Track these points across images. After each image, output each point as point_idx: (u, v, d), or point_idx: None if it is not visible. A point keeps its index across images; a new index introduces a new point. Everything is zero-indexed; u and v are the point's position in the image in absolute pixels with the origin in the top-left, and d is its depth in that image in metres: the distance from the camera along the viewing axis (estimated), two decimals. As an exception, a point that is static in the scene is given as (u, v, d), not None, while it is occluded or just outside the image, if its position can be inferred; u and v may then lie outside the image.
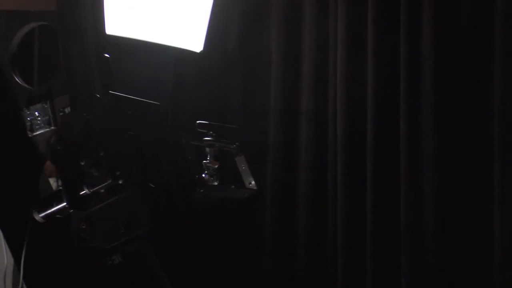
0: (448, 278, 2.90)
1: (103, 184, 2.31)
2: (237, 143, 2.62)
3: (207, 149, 2.56)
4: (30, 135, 2.61)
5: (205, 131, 2.57)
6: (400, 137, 2.95)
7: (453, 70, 2.90)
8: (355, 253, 3.07)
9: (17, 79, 2.61)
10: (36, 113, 2.57)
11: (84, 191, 2.32)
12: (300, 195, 3.20)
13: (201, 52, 2.86)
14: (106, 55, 2.62)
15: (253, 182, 2.67)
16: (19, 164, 2.58)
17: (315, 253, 3.18)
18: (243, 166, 2.65)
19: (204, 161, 2.55)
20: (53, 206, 2.41)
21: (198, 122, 2.58)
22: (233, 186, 2.64)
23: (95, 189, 2.31)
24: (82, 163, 2.31)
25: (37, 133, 2.59)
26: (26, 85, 2.62)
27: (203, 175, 2.53)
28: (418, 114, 2.93)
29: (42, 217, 2.41)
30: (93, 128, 2.36)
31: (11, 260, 2.72)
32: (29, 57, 2.68)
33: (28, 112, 2.56)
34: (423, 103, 2.92)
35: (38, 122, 2.58)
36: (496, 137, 2.81)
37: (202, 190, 2.52)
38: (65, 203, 2.37)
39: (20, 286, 2.60)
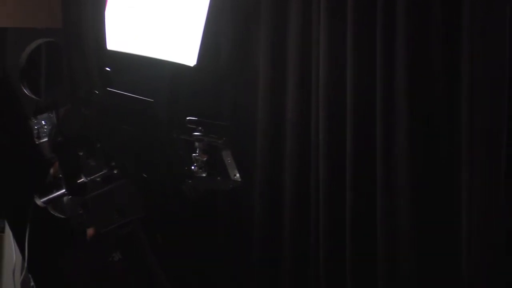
0: (419, 269, 2.94)
1: (99, 173, 2.35)
2: (224, 138, 2.65)
3: (196, 144, 2.59)
4: (37, 142, 2.62)
5: (194, 126, 2.60)
6: (377, 143, 3.00)
7: (424, 81, 2.95)
8: (335, 247, 3.10)
9: (25, 91, 2.67)
10: (43, 122, 2.58)
11: (82, 179, 2.37)
12: (286, 195, 3.23)
13: (194, 66, 2.90)
14: (107, 68, 2.65)
15: (237, 175, 2.68)
16: (27, 167, 2.62)
17: (299, 247, 3.21)
18: (229, 160, 2.66)
19: (194, 154, 2.58)
20: (53, 192, 2.44)
21: (188, 118, 2.62)
22: (219, 178, 2.65)
23: (91, 177, 2.35)
24: (81, 154, 2.35)
25: (44, 140, 2.60)
26: (33, 96, 2.68)
27: (192, 167, 2.56)
28: (393, 124, 2.97)
29: (43, 202, 2.46)
30: (91, 122, 2.40)
31: (20, 258, 2.73)
32: (36, 70, 2.72)
33: (35, 121, 2.57)
34: (397, 112, 2.96)
35: (45, 130, 2.59)
36: (464, 143, 2.84)
37: (190, 181, 2.56)
38: (64, 190, 2.40)
39: (24, 269, 2.62)
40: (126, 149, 2.46)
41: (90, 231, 2.64)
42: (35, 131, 2.57)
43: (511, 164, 2.84)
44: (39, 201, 2.47)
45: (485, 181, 2.82)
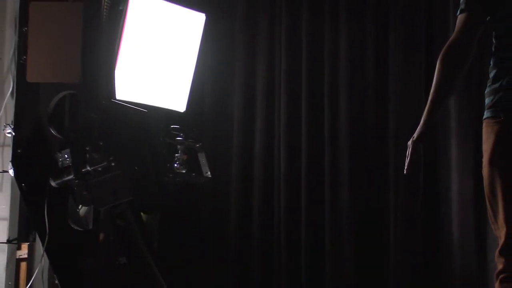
0: (358, 269, 3.15)
1: (101, 165, 2.40)
2: (200, 143, 2.75)
3: (178, 146, 2.68)
4: (61, 171, 2.69)
5: (177, 133, 2.72)
6: (325, 172, 3.24)
7: (360, 126, 3.21)
8: (293, 255, 3.26)
9: (52, 131, 2.62)
10: (66, 155, 2.56)
11: (87, 168, 2.43)
12: (254, 215, 3.38)
13: (184, 111, 2.98)
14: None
15: (208, 172, 2.76)
16: (54, 190, 2.59)
17: (264, 256, 3.34)
18: (203, 160, 2.76)
19: (176, 155, 2.67)
20: (64, 177, 2.49)
21: (172, 126, 2.72)
22: (193, 174, 2.73)
23: (94, 167, 2.41)
24: (87, 148, 2.42)
25: (68, 178, 2.55)
26: (58, 136, 2.62)
27: (175, 164, 2.65)
28: (337, 155, 3.21)
29: (56, 184, 2.50)
30: (97, 124, 2.49)
31: (47, 261, 2.74)
32: (61, 115, 2.67)
33: (60, 155, 2.56)
34: (340, 148, 3.20)
35: (67, 162, 2.55)
36: (392, 172, 3.11)
37: (171, 175, 2.65)
38: (72, 176, 2.45)
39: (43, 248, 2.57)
40: (122, 147, 2.49)
41: (102, 236, 2.74)
42: (60, 162, 2.56)
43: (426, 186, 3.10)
44: (53, 183, 2.49)
45: (407, 196, 3.07)
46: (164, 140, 2.72)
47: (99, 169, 2.41)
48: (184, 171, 2.68)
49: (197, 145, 2.79)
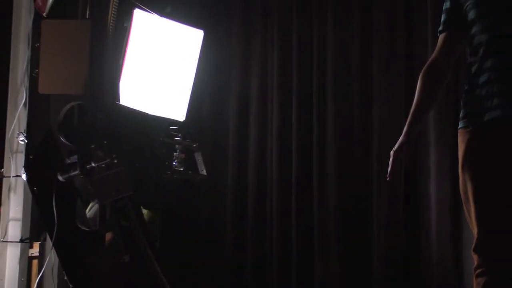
0: (344, 263, 3.24)
1: (104, 161, 2.45)
2: (197, 143, 2.83)
3: (177, 146, 2.75)
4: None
5: (176, 133, 2.79)
6: (314, 176, 3.35)
7: (346, 135, 3.32)
8: (284, 253, 3.37)
9: (62, 139, 2.64)
10: (74, 161, 2.58)
11: (91, 164, 2.49)
12: (249, 215, 3.50)
13: (183, 121, 3.03)
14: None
15: (204, 171, 2.82)
16: (63, 191, 2.67)
17: (258, 254, 3.45)
18: (199, 159, 2.83)
19: (175, 154, 2.74)
20: (70, 172, 2.54)
21: (171, 127, 2.80)
22: (190, 172, 2.79)
23: (98, 164, 2.46)
24: (92, 146, 2.48)
25: (73, 173, 2.57)
26: (68, 143, 2.64)
27: (173, 163, 2.72)
28: (324, 161, 3.33)
29: (63, 178, 2.56)
30: (102, 124, 2.56)
31: (57, 260, 2.83)
32: (70, 124, 2.69)
33: (69, 161, 2.59)
34: (328, 155, 3.32)
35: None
36: (375, 179, 3.22)
37: (169, 172, 2.71)
38: (78, 171, 2.51)
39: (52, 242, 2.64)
40: (125, 145, 2.55)
41: (108, 236, 2.81)
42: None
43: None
44: (61, 178, 2.55)
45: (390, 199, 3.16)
46: (163, 140, 2.77)
47: (103, 165, 2.45)
48: (182, 169, 2.74)
49: (194, 145, 2.84)
